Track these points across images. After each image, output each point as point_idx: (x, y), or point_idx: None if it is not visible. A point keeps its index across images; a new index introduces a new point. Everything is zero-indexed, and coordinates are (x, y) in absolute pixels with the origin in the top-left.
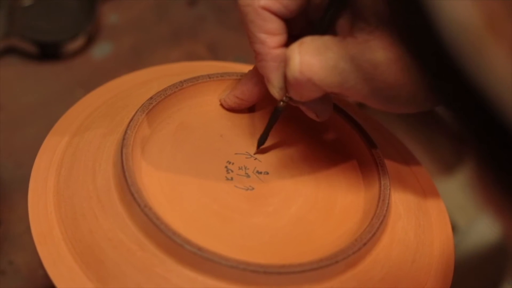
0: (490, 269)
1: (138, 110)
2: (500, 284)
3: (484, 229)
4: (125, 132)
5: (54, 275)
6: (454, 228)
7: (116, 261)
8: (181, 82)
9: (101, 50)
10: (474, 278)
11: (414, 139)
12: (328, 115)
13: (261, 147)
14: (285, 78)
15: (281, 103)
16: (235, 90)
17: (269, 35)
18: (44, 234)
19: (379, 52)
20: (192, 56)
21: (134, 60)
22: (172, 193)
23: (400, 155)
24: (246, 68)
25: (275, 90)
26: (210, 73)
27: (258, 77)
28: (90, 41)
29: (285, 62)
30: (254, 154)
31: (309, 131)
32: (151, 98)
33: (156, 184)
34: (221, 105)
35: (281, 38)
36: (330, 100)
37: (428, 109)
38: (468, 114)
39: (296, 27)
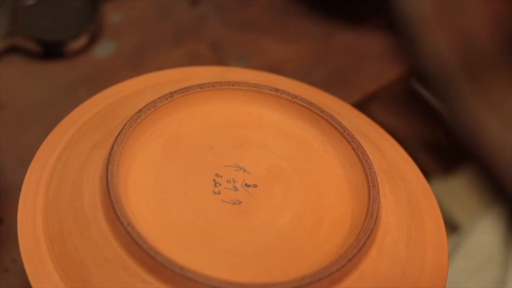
0: (492, 267)
1: (125, 124)
2: (504, 283)
3: (486, 228)
4: (112, 147)
5: None
6: (454, 227)
7: (100, 280)
8: (171, 93)
9: (104, 49)
10: (475, 277)
11: (415, 138)
12: None
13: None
14: None
15: None
16: None
17: None
18: (32, 251)
19: None
20: (194, 55)
21: (137, 59)
22: (158, 209)
23: (397, 161)
24: (244, 72)
25: None
26: (201, 83)
27: None
28: (93, 40)
29: None
30: None
31: (301, 143)
32: (139, 111)
33: (142, 200)
34: None
35: None
36: None
37: None
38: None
39: None
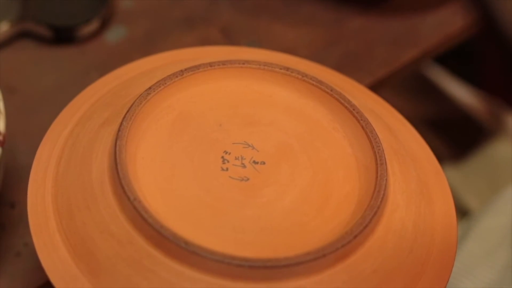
0: (502, 252)
1: (135, 101)
2: None
3: (497, 212)
4: (121, 123)
5: (47, 266)
6: (465, 212)
7: (106, 254)
8: (181, 71)
9: (115, 34)
10: (486, 261)
11: (427, 123)
12: None
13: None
14: None
15: None
16: None
17: None
18: (40, 225)
19: None
20: (206, 41)
21: (148, 44)
22: (165, 185)
23: (408, 141)
24: (256, 52)
25: None
26: (211, 62)
27: None
28: (104, 25)
29: None
30: None
31: (310, 121)
32: (149, 88)
33: (150, 176)
34: None
35: None
36: None
37: None
38: None
39: None
